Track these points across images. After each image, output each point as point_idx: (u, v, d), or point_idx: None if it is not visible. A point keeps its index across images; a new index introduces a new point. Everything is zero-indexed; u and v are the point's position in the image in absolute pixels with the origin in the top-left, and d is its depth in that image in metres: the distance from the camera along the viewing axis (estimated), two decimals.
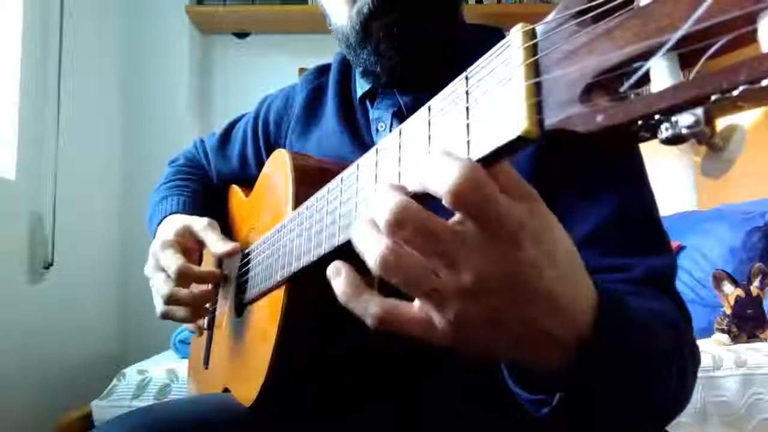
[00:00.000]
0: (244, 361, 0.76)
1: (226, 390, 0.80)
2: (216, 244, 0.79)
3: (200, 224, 0.82)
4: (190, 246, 0.83)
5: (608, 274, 0.60)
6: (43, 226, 1.78)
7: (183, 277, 0.75)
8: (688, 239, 2.13)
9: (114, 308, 2.22)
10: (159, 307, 0.79)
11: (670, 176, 2.80)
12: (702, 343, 1.74)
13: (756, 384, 1.50)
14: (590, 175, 0.64)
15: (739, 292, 1.73)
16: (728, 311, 1.72)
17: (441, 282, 0.34)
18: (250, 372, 0.71)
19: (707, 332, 1.82)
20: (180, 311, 0.78)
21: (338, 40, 0.76)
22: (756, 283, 1.74)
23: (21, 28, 1.70)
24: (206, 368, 0.94)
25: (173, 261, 0.76)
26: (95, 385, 1.60)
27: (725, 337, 1.70)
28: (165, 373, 1.50)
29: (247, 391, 0.70)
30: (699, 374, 1.61)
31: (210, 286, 0.84)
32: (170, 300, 0.76)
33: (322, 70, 0.91)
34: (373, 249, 0.34)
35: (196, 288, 0.81)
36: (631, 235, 0.62)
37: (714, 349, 1.61)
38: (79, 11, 1.96)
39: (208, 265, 0.92)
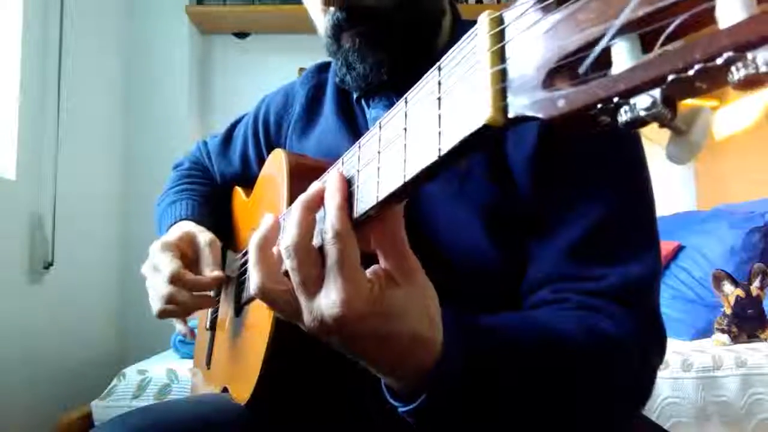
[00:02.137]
0: (240, 361, 0.76)
1: (225, 390, 0.80)
2: (207, 267, 0.80)
3: (204, 239, 0.83)
4: (188, 252, 0.83)
5: (578, 283, 0.60)
6: (43, 226, 1.78)
7: (175, 281, 0.75)
8: (688, 239, 2.12)
9: (114, 308, 2.22)
10: (156, 305, 0.79)
11: (671, 176, 2.80)
12: (702, 343, 1.73)
13: (756, 384, 1.50)
14: (581, 179, 0.63)
15: (739, 292, 1.72)
16: (728, 311, 1.72)
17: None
18: (245, 371, 0.71)
19: (707, 332, 1.82)
20: (178, 311, 0.78)
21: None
22: (756, 283, 1.74)
23: (21, 28, 1.70)
24: (208, 369, 0.94)
25: (167, 264, 0.76)
26: (95, 385, 1.60)
27: (725, 337, 1.69)
28: (165, 373, 1.50)
29: (242, 390, 0.70)
30: (699, 374, 1.59)
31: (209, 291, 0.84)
32: (170, 300, 0.76)
33: (322, 68, 0.91)
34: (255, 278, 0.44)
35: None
36: (611, 243, 0.61)
37: (714, 349, 1.60)
38: (79, 11, 1.97)
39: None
